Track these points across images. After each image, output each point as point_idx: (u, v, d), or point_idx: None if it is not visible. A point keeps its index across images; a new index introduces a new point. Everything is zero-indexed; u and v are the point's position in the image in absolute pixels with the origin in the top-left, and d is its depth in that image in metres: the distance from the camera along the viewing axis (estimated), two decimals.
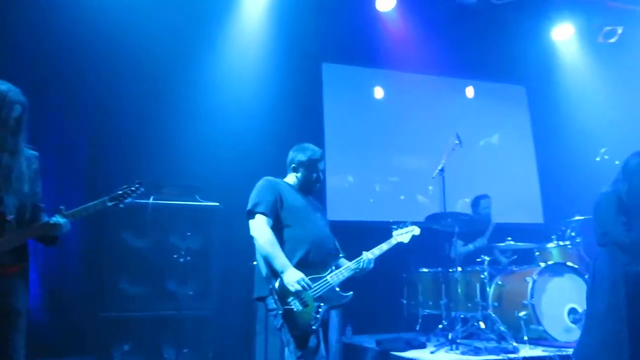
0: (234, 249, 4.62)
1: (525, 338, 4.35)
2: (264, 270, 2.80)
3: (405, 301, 5.46)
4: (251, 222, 2.85)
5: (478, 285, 4.69)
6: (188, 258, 4.17)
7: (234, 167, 5.10)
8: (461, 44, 6.55)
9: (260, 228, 2.79)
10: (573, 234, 5.09)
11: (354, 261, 2.98)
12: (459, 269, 4.65)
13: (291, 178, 3.12)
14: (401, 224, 3.28)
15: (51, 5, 4.73)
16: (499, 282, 4.81)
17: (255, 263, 3.05)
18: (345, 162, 6.27)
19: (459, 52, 6.58)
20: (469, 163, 6.15)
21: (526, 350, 4.11)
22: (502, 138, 7.06)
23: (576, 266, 4.67)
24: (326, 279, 2.82)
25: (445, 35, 6.39)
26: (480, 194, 5.69)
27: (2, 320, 2.21)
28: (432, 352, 4.09)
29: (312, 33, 5.97)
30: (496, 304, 4.69)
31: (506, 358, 3.86)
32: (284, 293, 2.68)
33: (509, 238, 5.12)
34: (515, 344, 4.14)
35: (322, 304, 2.75)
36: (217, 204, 4.37)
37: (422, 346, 4.39)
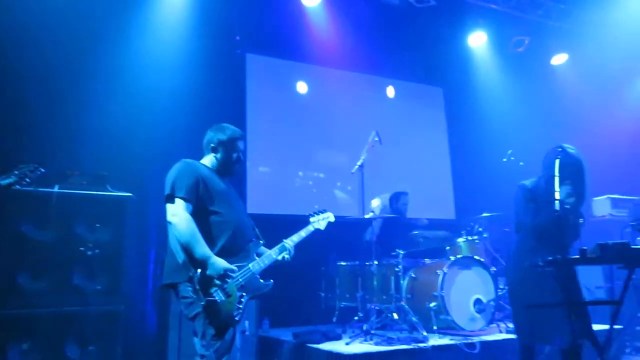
0: (147, 241, 4.44)
1: (435, 328, 4.58)
2: (180, 257, 2.61)
3: (323, 294, 5.54)
4: (169, 207, 2.66)
5: (393, 278, 4.87)
6: (97, 251, 3.93)
7: (149, 157, 4.90)
8: (384, 43, 6.72)
9: (179, 214, 2.61)
10: (481, 229, 5.42)
11: (275, 248, 2.93)
12: (375, 262, 4.78)
13: (209, 159, 2.95)
14: (317, 212, 3.28)
15: None
16: (413, 275, 5.01)
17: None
18: (266, 155, 6.23)
19: (382, 51, 6.76)
20: (388, 160, 6.34)
21: (435, 339, 4.31)
22: (420, 137, 7.33)
23: (483, 259, 4.97)
24: (248, 267, 2.73)
25: (369, 34, 6.54)
26: (400, 190, 5.88)
27: None
28: (347, 344, 4.17)
29: (236, 23, 5.87)
30: (409, 295, 4.89)
31: (416, 347, 4.03)
32: (206, 283, 2.54)
33: (422, 232, 5.37)
34: (425, 333, 4.34)
35: (244, 294, 2.65)
36: (130, 194, 4.16)
37: (338, 338, 4.47)
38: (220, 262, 2.59)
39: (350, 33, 6.39)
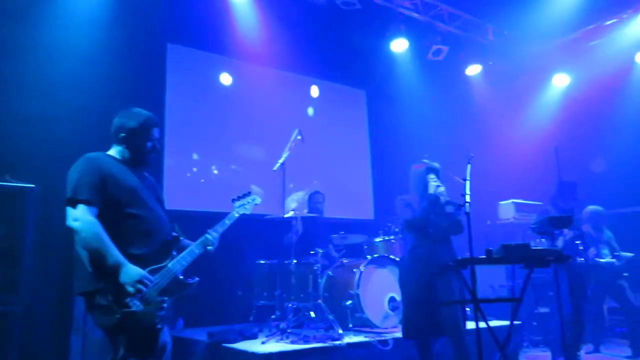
0: (51, 237, 4.13)
1: (350, 325, 4.67)
2: (88, 265, 2.33)
3: (240, 292, 5.46)
4: (71, 212, 2.36)
5: (311, 277, 4.90)
6: None
7: (58, 146, 4.56)
8: (310, 43, 6.75)
9: (83, 219, 2.32)
10: (397, 229, 5.59)
11: (197, 242, 2.69)
12: (294, 261, 4.79)
13: (119, 151, 2.64)
14: (242, 195, 3.03)
15: None
16: (330, 274, 5.08)
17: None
18: (184, 147, 6.03)
19: (308, 51, 6.77)
20: (309, 159, 6.37)
21: (350, 337, 4.39)
22: (342, 138, 7.44)
23: (397, 259, 5.12)
24: (168, 268, 2.49)
25: (296, 33, 6.53)
26: (316, 190, 5.95)
27: None
28: (263, 342, 4.13)
29: (157, 12, 5.64)
30: (327, 294, 4.95)
31: (332, 345, 4.07)
32: (120, 293, 2.29)
33: (342, 232, 5.46)
34: (341, 331, 4.40)
35: (165, 298, 2.42)
36: (33, 185, 3.85)
37: (254, 337, 4.42)
38: (133, 270, 2.34)
39: (276, 31, 6.35)
